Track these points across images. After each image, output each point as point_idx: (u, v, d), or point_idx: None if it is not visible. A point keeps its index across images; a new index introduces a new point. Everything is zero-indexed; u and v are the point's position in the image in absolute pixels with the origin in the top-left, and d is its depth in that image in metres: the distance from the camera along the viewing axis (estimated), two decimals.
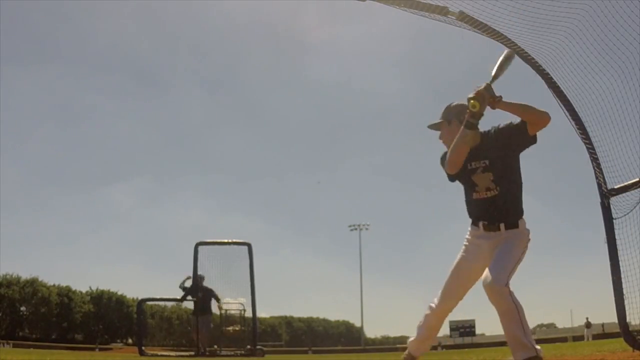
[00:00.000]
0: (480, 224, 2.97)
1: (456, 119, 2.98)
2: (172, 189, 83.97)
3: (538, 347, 2.72)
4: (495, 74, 2.73)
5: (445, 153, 3.01)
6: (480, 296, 2.96)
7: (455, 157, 2.86)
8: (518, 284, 2.87)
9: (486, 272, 2.85)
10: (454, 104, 3.10)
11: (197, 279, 11.89)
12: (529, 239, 2.93)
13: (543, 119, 2.72)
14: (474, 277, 3.00)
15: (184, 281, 12.00)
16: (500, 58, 2.78)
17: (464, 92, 2.77)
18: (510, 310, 2.69)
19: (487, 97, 2.67)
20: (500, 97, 2.69)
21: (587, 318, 33.41)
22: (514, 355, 2.73)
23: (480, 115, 2.71)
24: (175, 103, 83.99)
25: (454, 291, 3.08)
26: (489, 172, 2.92)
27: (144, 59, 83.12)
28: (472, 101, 2.67)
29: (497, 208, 2.92)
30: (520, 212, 2.96)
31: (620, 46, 4.67)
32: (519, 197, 2.98)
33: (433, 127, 3.16)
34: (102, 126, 79.38)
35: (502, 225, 2.89)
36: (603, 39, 4.72)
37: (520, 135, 2.80)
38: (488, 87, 2.69)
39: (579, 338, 33.68)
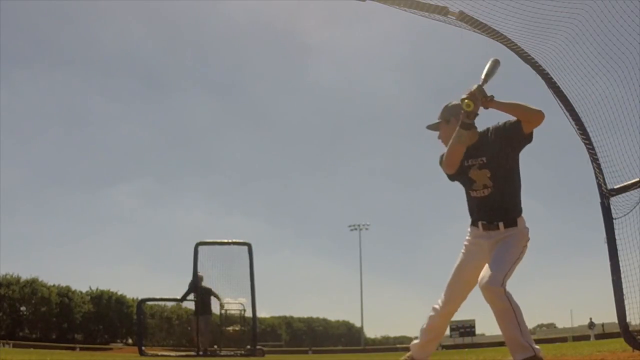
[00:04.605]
0: (480, 224, 2.97)
1: (454, 118, 2.99)
2: (174, 190, 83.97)
3: (537, 347, 2.72)
4: (485, 77, 2.77)
5: (444, 154, 3.02)
6: (480, 296, 2.96)
7: (452, 157, 2.88)
8: (518, 284, 2.87)
9: (483, 272, 2.85)
10: (452, 103, 3.11)
11: (197, 278, 11.90)
12: (528, 238, 2.92)
13: (537, 116, 2.72)
14: (476, 277, 2.96)
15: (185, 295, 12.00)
16: (488, 64, 2.81)
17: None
18: (506, 310, 2.67)
19: (480, 97, 2.71)
20: (492, 96, 2.72)
21: (590, 318, 32.87)
22: (512, 356, 2.72)
23: (474, 114, 2.74)
24: (177, 105, 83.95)
25: (457, 292, 3.07)
26: (486, 169, 2.93)
27: (147, 61, 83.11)
28: (466, 101, 2.70)
29: (494, 206, 2.92)
30: (519, 211, 2.96)
31: (620, 46, 4.68)
32: (517, 196, 2.98)
33: (432, 127, 3.16)
34: (105, 128, 79.39)
35: (501, 224, 2.89)
36: (603, 39, 4.73)
37: (516, 134, 2.81)
38: (480, 88, 2.73)
39: (578, 338, 33.62)
